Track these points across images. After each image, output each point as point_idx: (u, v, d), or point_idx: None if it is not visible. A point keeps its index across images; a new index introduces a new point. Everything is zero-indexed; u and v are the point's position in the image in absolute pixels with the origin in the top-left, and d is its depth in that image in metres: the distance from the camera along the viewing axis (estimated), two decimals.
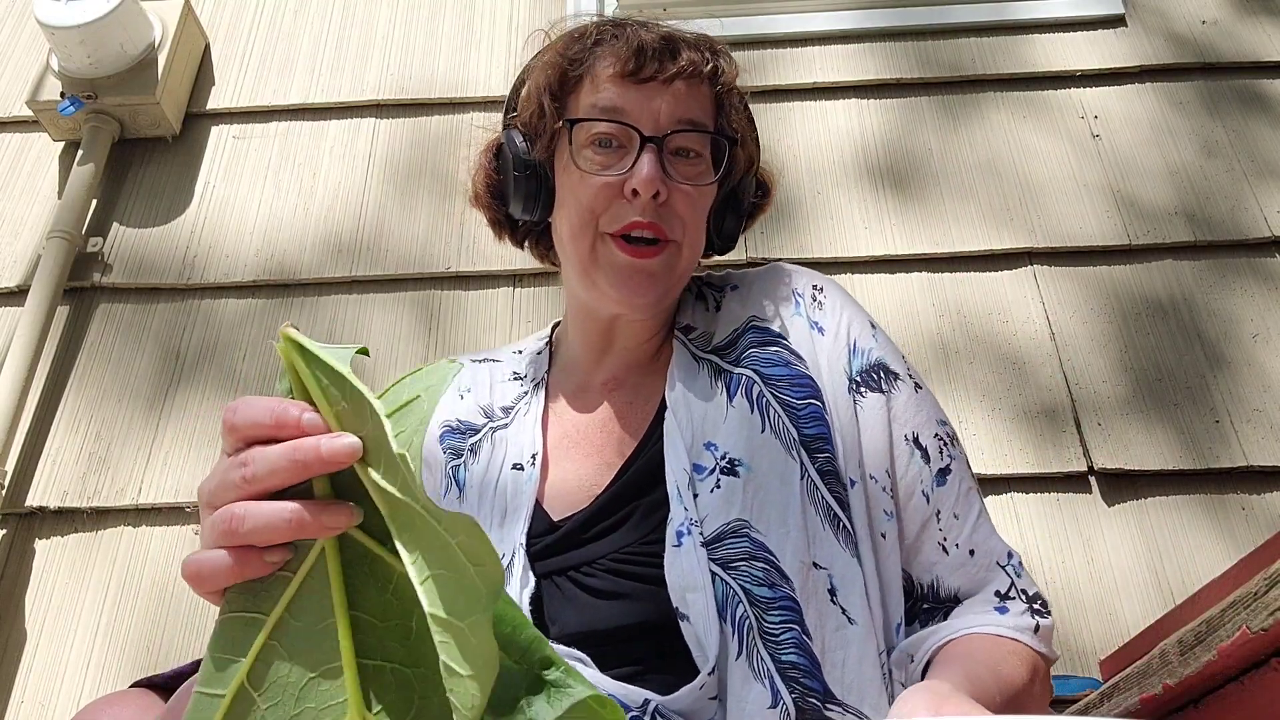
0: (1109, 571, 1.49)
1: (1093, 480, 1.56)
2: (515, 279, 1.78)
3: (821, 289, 0.97)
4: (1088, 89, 1.93)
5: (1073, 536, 1.52)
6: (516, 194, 0.97)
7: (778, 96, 1.94)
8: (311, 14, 2.09)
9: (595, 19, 1.00)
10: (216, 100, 1.99)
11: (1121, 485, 1.56)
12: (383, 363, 1.72)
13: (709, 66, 0.94)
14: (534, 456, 0.93)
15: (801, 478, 0.84)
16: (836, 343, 0.92)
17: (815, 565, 0.82)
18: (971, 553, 0.88)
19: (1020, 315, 1.70)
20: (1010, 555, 0.90)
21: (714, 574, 0.81)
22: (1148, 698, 0.91)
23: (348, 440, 0.46)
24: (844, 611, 0.81)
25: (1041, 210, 1.79)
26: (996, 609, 0.86)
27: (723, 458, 0.85)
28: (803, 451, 0.85)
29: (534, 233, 1.04)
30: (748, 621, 0.80)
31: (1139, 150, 1.86)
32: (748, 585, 0.80)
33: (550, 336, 1.07)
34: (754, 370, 0.90)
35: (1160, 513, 1.54)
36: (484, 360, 1.06)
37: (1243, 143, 1.85)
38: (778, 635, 0.79)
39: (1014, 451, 1.57)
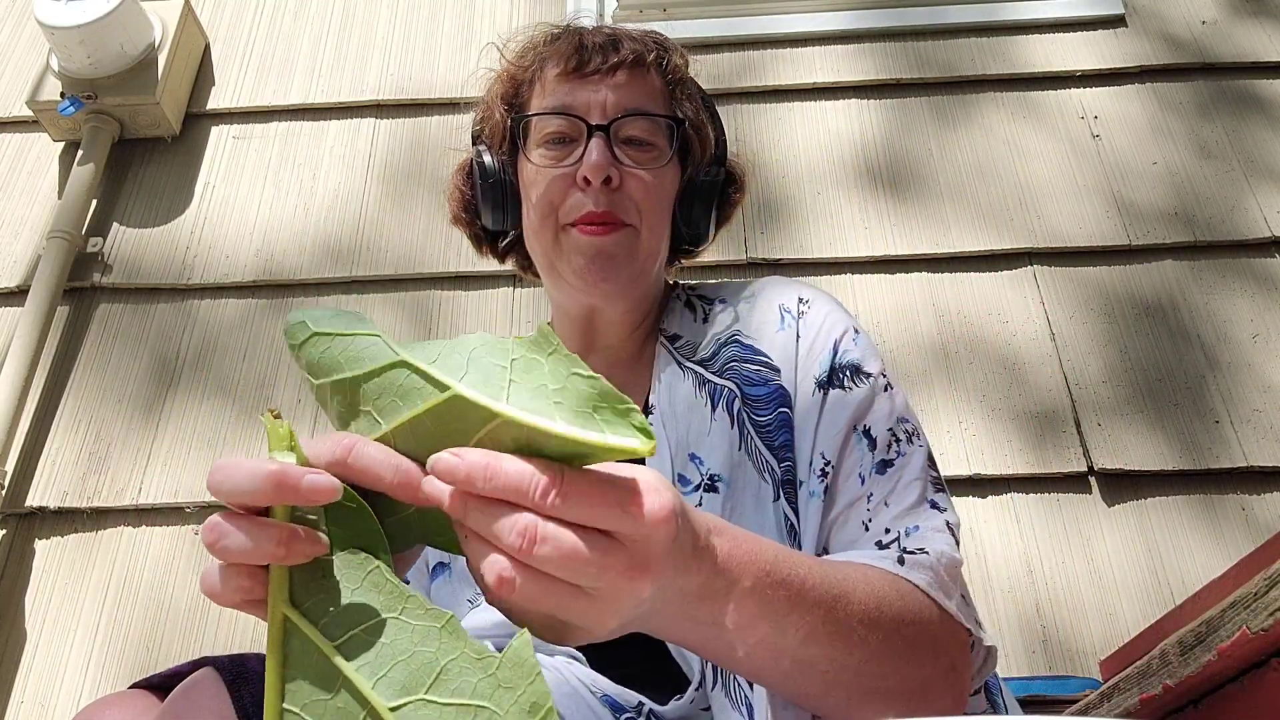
0: (1109, 572, 1.49)
1: (1092, 481, 1.57)
2: (514, 279, 1.78)
3: (808, 300, 0.95)
4: (1087, 90, 1.93)
5: (1072, 537, 1.52)
6: (485, 204, 1.00)
7: (777, 96, 1.95)
8: (311, 15, 2.09)
9: (561, 25, 1.02)
10: (216, 100, 1.99)
11: (1121, 486, 1.56)
12: None
13: (652, 55, 0.96)
14: None
15: (774, 499, 0.83)
16: (814, 348, 0.90)
17: None
18: (887, 530, 0.80)
19: (1019, 316, 1.70)
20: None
21: None
22: (1148, 698, 0.91)
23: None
24: None
25: (1040, 211, 1.79)
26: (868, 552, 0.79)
27: (706, 474, 0.85)
28: (776, 470, 0.84)
29: (513, 246, 1.06)
30: None
31: (1138, 151, 1.86)
32: None
33: None
34: (735, 384, 0.89)
35: (1160, 513, 1.54)
36: None
37: (1241, 143, 1.85)
38: None
39: (1014, 452, 1.57)
